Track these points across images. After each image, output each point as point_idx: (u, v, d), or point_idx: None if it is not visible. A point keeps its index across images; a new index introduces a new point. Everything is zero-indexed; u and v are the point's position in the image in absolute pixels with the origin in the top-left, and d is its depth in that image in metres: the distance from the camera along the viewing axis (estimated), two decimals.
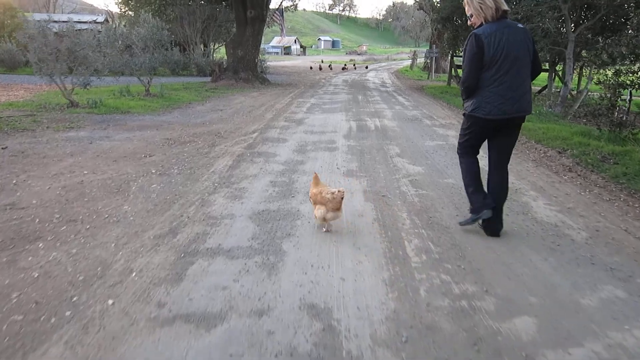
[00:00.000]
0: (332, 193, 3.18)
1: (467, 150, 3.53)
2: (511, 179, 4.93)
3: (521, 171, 5.39)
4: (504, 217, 3.51)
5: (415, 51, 34.81)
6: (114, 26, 15.11)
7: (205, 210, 3.88)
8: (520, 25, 3.28)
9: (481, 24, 3.22)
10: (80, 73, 9.83)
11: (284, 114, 10.14)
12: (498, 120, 3.22)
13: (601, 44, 11.11)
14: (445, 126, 8.47)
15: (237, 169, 5.33)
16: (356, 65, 38.36)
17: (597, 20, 10.68)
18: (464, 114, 3.48)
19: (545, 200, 4.30)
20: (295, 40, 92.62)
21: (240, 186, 4.63)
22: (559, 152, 6.27)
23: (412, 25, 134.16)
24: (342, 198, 3.21)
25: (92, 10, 56.88)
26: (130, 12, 26.02)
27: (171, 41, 25.78)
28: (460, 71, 17.38)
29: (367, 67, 34.06)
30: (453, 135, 7.29)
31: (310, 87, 18.50)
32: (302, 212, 3.88)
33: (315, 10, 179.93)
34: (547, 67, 16.84)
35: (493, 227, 3.40)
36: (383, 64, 50.00)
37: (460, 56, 17.87)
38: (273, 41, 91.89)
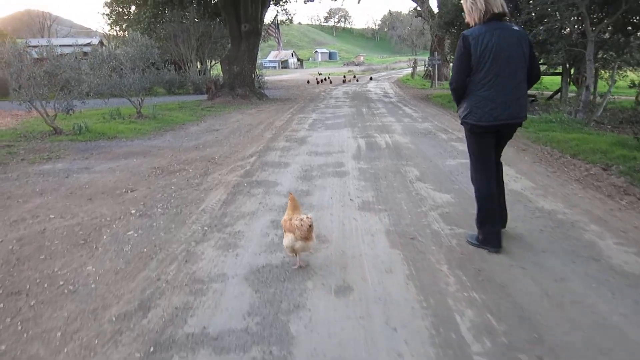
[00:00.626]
0: (301, 219, 2.85)
1: (481, 166, 3.33)
2: (560, 206, 4.15)
3: (568, 195, 4.55)
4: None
5: (415, 59, 34.15)
6: (102, 47, 14.42)
7: (189, 269, 3.05)
8: (515, 27, 3.15)
9: (474, 25, 3.15)
10: (62, 98, 9.08)
11: (284, 132, 9.35)
12: (489, 127, 3.14)
13: (631, 43, 10.30)
14: (464, 140, 7.64)
15: (232, 204, 4.51)
16: (357, 76, 37.06)
17: (618, 17, 9.89)
18: (460, 124, 3.39)
19: (613, 237, 3.45)
20: (292, 54, 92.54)
21: (235, 229, 3.80)
22: (604, 169, 5.43)
23: (408, 33, 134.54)
24: (310, 226, 2.84)
25: (88, 33, 56.71)
26: (122, 33, 25.46)
27: (166, 60, 25.43)
28: None
29: (371, 78, 33.22)
30: None
31: (310, 101, 17.75)
32: (313, 267, 3.04)
33: (310, 23, 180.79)
34: (560, 71, 16.14)
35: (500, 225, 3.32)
36: (382, 73, 49.41)
37: None
38: (270, 55, 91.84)
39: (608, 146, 6.40)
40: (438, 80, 24.71)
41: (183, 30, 24.95)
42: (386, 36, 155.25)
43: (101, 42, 31.24)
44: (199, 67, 27.63)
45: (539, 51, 11.83)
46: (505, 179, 5.25)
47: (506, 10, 3.10)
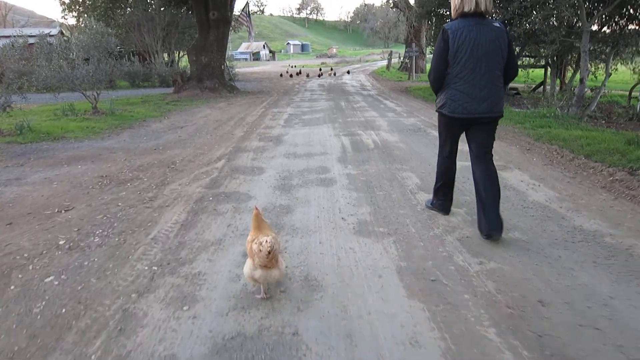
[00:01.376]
0: (260, 243, 2.27)
1: (445, 152, 3.57)
2: (601, 224, 3.22)
3: (603, 209, 3.77)
4: None
5: (391, 51, 33.37)
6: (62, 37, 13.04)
7: (121, 348, 2.08)
8: (496, 24, 3.16)
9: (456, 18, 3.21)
10: None
11: (257, 129, 8.36)
12: (461, 119, 3.25)
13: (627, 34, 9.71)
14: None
15: (193, 228, 3.54)
16: (334, 69, 35.41)
17: (614, 8, 9.26)
18: (436, 111, 3.52)
19: None
20: (263, 46, 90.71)
21: (194, 269, 2.84)
22: (630, 174, 4.69)
23: (381, 26, 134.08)
24: (270, 252, 2.22)
25: (49, 23, 53.61)
26: (79, 21, 23.67)
27: (131, 51, 23.88)
28: None
29: (348, 72, 32.09)
30: None
31: (284, 93, 16.73)
32: (305, 337, 2.12)
33: (282, 14, 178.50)
34: (544, 64, 15.61)
35: (492, 225, 3.11)
36: (357, 65, 48.52)
37: None
38: (241, 47, 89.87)
39: (623, 146, 5.69)
40: (415, 72, 23.98)
41: (148, 19, 23.45)
42: (359, 28, 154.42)
43: (61, 32, 29.23)
44: (165, 58, 26.18)
45: (532, 42, 11.18)
46: (522, 186, 4.49)
47: (483, 9, 3.10)
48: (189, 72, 17.60)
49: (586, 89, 9.82)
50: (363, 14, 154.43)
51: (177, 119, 10.23)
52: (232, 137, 7.62)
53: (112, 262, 2.97)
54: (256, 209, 2.54)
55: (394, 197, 4.19)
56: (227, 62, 26.62)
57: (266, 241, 2.23)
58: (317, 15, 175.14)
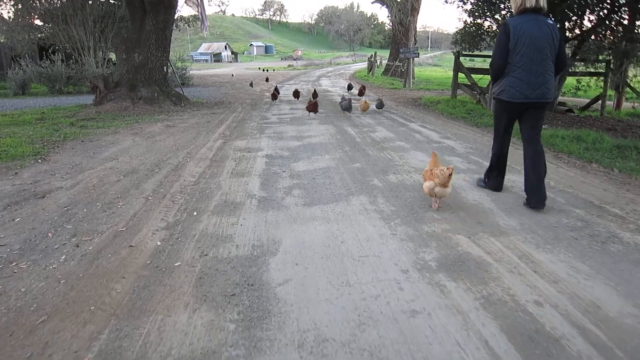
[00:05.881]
0: (441, 169, 3.48)
1: (501, 134, 3.98)
2: None
3: None
4: None
5: (374, 53, 29.29)
6: None
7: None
8: (550, 21, 3.60)
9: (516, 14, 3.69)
10: None
11: (202, 209, 3.76)
12: (520, 103, 3.68)
13: None
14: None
15: None
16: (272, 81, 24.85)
17: None
18: (493, 98, 4.09)
19: None
20: (225, 46, 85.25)
21: None
22: None
23: (345, 29, 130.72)
24: (450, 175, 3.41)
25: None
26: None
27: (56, 48, 18.57)
28: (474, 77, 11.94)
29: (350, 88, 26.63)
30: None
31: (252, 107, 12.05)
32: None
33: (244, 15, 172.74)
34: (603, 71, 11.72)
35: (538, 199, 3.62)
36: (329, 69, 44.03)
37: (473, 55, 12.52)
38: (201, 47, 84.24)
39: None
40: (392, 76, 19.61)
41: (77, 7, 18.28)
42: (323, 31, 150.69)
43: None
44: (100, 57, 20.95)
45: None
46: None
47: (541, 5, 3.56)
48: (117, 75, 12.64)
49: None
50: (327, 16, 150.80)
51: (58, 165, 5.45)
52: (143, 244, 3.00)
53: None
54: (434, 153, 3.85)
55: None
56: (178, 64, 21.69)
57: (447, 168, 3.43)
58: (280, 16, 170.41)
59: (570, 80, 12.34)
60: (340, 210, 3.68)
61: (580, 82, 11.51)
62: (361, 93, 13.38)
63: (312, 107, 9.37)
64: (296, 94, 12.67)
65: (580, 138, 6.65)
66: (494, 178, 4.12)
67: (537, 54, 3.51)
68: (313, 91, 12.51)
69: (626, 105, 12.81)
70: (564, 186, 4.47)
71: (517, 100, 3.63)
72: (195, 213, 3.64)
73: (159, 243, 3.06)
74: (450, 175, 3.37)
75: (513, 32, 3.53)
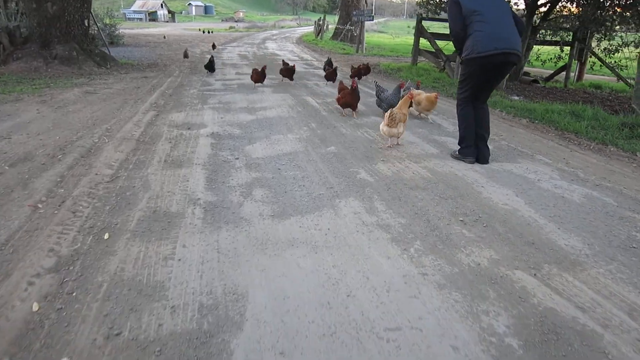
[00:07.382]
0: (390, 112, 3.92)
1: (467, 100, 3.87)
2: None
3: None
4: None
5: (323, 16, 27.57)
6: None
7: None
8: None
9: None
10: None
11: (125, 217, 2.47)
12: (491, 56, 3.50)
13: None
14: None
15: None
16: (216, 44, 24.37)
17: None
18: (460, 63, 4.20)
19: None
20: (162, 5, 79.17)
21: None
22: None
23: None
24: (390, 115, 3.90)
25: None
26: None
27: None
28: (439, 43, 10.99)
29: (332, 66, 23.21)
30: None
31: (192, 70, 10.39)
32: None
33: None
34: (570, 40, 11.12)
35: (484, 156, 3.84)
36: (274, 31, 41.61)
37: (438, 19, 11.49)
38: (135, 5, 77.63)
39: None
40: (360, 43, 18.35)
41: None
42: None
43: None
44: (13, 8, 17.88)
45: None
46: None
47: None
48: (25, 29, 10.44)
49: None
50: None
51: None
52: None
53: None
54: (411, 92, 4.32)
55: None
56: (104, 20, 19.03)
57: (391, 111, 3.85)
58: None
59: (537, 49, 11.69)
60: (328, 226, 2.52)
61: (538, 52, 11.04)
62: (358, 74, 8.36)
63: (258, 76, 7.75)
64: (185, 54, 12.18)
65: (576, 113, 5.85)
66: (468, 148, 3.91)
67: (497, 11, 3.55)
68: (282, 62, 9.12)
69: (586, 77, 12.43)
70: (598, 178, 3.56)
71: (488, 52, 3.47)
72: (106, 236, 2.33)
73: (35, 308, 1.76)
74: (389, 115, 3.88)
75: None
